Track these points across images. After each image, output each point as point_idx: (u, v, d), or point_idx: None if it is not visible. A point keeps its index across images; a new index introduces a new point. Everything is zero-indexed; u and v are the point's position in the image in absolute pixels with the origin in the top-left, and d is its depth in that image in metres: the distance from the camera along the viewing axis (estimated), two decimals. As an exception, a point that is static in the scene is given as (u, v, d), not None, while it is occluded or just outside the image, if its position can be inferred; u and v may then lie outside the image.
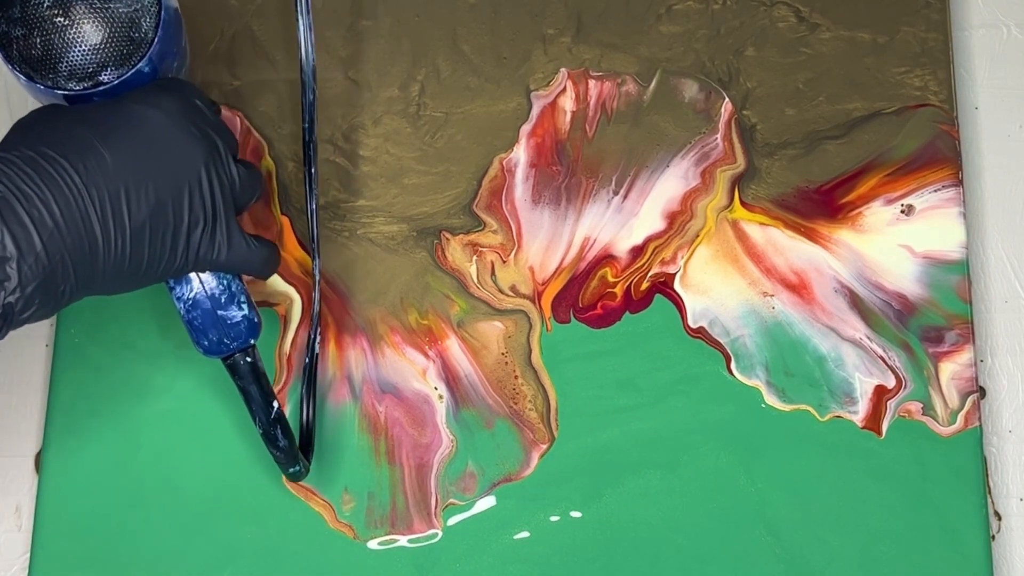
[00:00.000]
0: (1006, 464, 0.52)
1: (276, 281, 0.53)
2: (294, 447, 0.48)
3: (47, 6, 0.43)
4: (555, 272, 0.53)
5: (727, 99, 0.55)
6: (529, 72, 0.56)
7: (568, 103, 0.55)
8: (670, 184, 0.54)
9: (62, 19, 0.43)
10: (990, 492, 0.51)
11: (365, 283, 0.53)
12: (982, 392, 0.53)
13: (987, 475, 0.51)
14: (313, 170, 0.50)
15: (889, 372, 0.51)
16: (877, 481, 0.50)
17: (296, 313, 0.53)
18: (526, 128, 0.55)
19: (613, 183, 0.54)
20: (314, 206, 0.50)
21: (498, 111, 0.55)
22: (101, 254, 0.40)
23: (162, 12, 0.44)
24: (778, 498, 0.50)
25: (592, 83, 0.55)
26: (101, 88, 0.43)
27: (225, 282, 0.46)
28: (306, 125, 0.49)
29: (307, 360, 0.51)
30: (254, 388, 0.47)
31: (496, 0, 0.56)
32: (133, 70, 0.43)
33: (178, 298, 0.46)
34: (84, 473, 0.52)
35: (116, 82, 0.43)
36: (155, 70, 0.44)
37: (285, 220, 0.54)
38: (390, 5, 0.57)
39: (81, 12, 0.43)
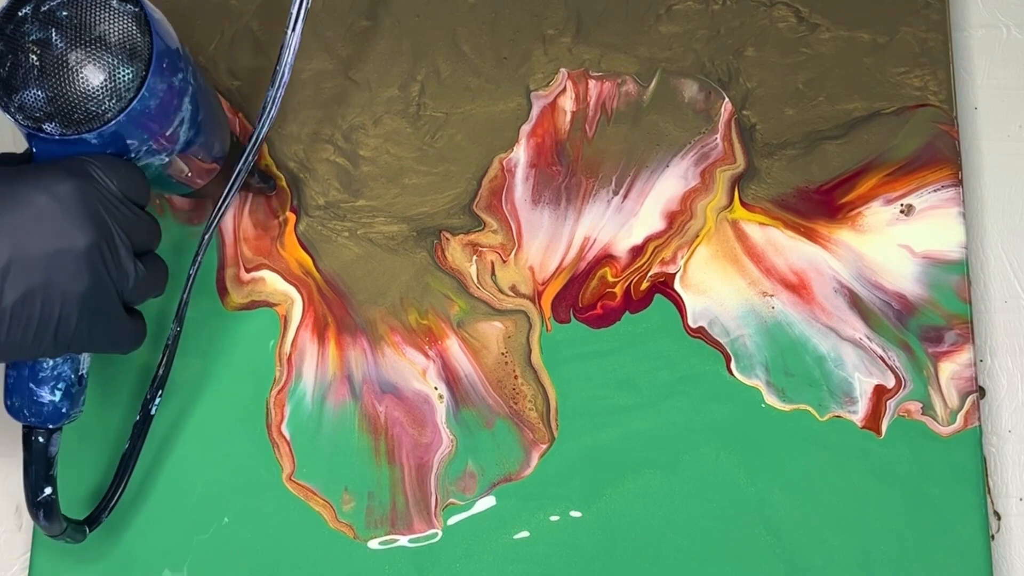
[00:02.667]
0: (1005, 464, 0.52)
1: (276, 281, 0.53)
2: (58, 528, 0.47)
3: (31, 38, 0.41)
4: (555, 272, 0.53)
5: (727, 99, 0.55)
6: (529, 72, 0.56)
7: (568, 103, 0.55)
8: (670, 184, 0.54)
9: (35, 57, 0.41)
10: (989, 492, 0.51)
11: (365, 283, 0.53)
12: (982, 392, 0.53)
13: (986, 475, 0.51)
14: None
15: (889, 372, 0.51)
16: (877, 481, 0.50)
17: (296, 313, 0.53)
18: (526, 128, 0.55)
19: (613, 183, 0.54)
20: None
21: (498, 111, 0.55)
22: None
23: (135, 102, 0.41)
24: (778, 498, 0.50)
25: (592, 83, 0.55)
26: (41, 136, 0.41)
27: (55, 363, 0.44)
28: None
29: (137, 417, 0.50)
30: (33, 469, 0.45)
31: (496, 0, 0.56)
32: (75, 136, 0.41)
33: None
34: (84, 473, 0.51)
35: (56, 138, 0.41)
36: (106, 145, 0.42)
37: (291, 216, 0.54)
38: (390, 5, 0.57)
39: (52, 60, 0.40)
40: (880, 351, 0.52)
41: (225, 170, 0.48)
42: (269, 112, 0.46)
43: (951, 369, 0.51)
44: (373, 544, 0.51)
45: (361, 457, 0.51)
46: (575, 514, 0.51)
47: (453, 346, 0.53)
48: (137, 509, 0.51)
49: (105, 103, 0.41)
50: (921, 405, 0.51)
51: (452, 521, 0.51)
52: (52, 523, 0.46)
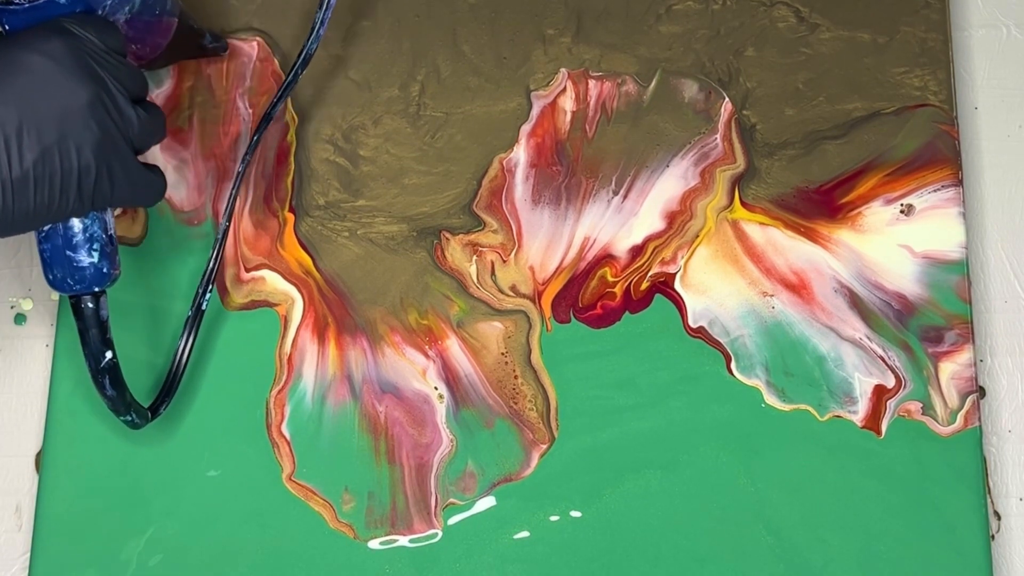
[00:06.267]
0: (1005, 464, 0.52)
1: (277, 281, 0.53)
2: (124, 398, 0.48)
3: None
4: (555, 272, 0.53)
5: (727, 99, 0.55)
6: (529, 72, 0.56)
7: (568, 103, 0.55)
8: (670, 184, 0.54)
9: None
10: (989, 492, 0.51)
11: (365, 283, 0.53)
12: (982, 392, 0.53)
13: (987, 475, 0.51)
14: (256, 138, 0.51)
15: (889, 372, 0.51)
16: (877, 481, 0.50)
17: (296, 313, 0.53)
18: (526, 128, 0.55)
19: (613, 183, 0.54)
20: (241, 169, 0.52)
21: (498, 111, 0.55)
22: None
23: None
24: (778, 498, 0.50)
25: (592, 83, 0.55)
26: (11, 7, 0.42)
27: (84, 224, 0.45)
28: (275, 99, 0.49)
29: (190, 312, 0.51)
30: (92, 333, 0.47)
31: (496, 0, 0.56)
32: (45, 1, 0.42)
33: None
34: (84, 473, 0.52)
35: (25, 6, 0.42)
36: (75, 4, 0.43)
37: (290, 216, 0.54)
38: (390, 5, 0.57)
39: None
40: (880, 351, 0.52)
41: (182, 29, 0.50)
42: (317, 31, 0.50)
43: (951, 369, 0.51)
44: (373, 544, 0.51)
45: (361, 457, 0.51)
46: (575, 514, 0.51)
47: (453, 346, 0.53)
48: (136, 509, 0.51)
49: None
50: (921, 405, 0.51)
51: (452, 521, 0.51)
52: (120, 390, 0.47)
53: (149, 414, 0.49)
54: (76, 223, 0.45)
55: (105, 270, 0.46)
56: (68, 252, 0.45)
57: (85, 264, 0.45)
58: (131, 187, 0.44)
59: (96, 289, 0.46)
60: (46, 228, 0.45)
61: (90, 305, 0.46)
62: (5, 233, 0.42)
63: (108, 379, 0.47)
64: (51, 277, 0.46)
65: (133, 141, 0.44)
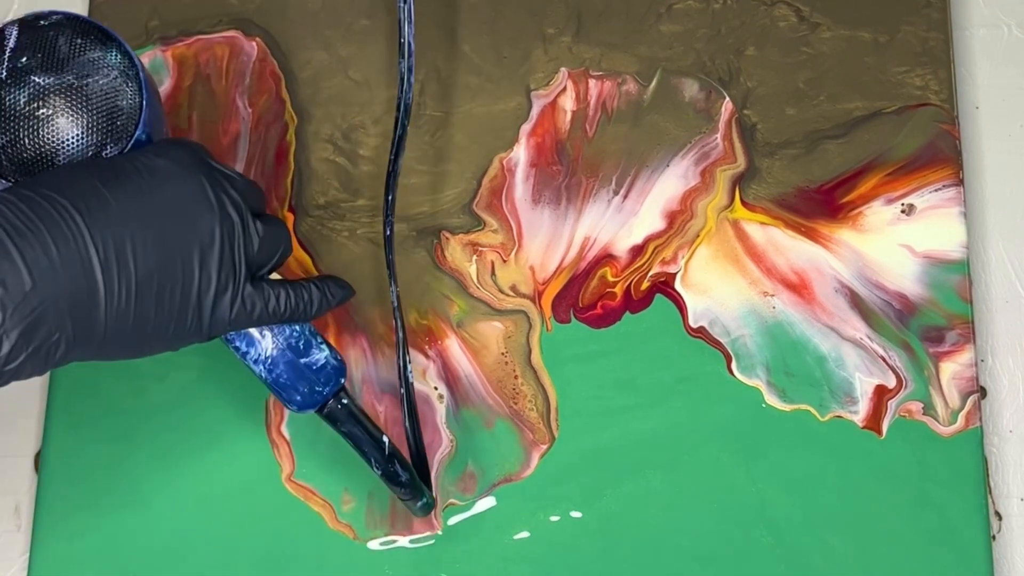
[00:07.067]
0: (1007, 464, 0.52)
1: (276, 281, 0.53)
2: (416, 479, 0.46)
3: (24, 102, 0.40)
4: (555, 272, 0.53)
5: (727, 99, 0.55)
6: (529, 72, 0.55)
7: (568, 103, 0.55)
8: (670, 184, 0.54)
9: (45, 110, 0.40)
10: (991, 492, 0.51)
11: (365, 283, 0.53)
12: (983, 392, 0.53)
13: (988, 475, 0.51)
14: (391, 197, 0.49)
15: (890, 372, 0.51)
16: (877, 481, 0.50)
17: (296, 313, 0.53)
18: (526, 128, 0.55)
19: (613, 183, 0.54)
20: (388, 232, 0.50)
21: (498, 111, 0.55)
22: (102, 302, 0.37)
23: (140, 73, 0.41)
24: (778, 498, 0.50)
25: (592, 83, 0.55)
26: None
27: (297, 328, 0.44)
28: (392, 156, 0.47)
29: (402, 390, 0.50)
30: (358, 429, 0.45)
31: (496, 0, 0.56)
32: (132, 140, 0.41)
33: (255, 361, 0.44)
34: (84, 473, 0.52)
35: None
36: (150, 136, 0.42)
37: (289, 216, 0.54)
38: (390, 5, 0.57)
39: (61, 98, 0.40)
40: (881, 351, 0.52)
41: None
42: (408, 79, 0.48)
43: (952, 369, 0.51)
44: (373, 545, 0.50)
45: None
46: (575, 514, 0.50)
47: (453, 346, 0.52)
48: (137, 509, 0.51)
49: (126, 91, 0.41)
50: (922, 405, 0.51)
51: (452, 521, 0.51)
52: (411, 471, 0.45)
53: (431, 490, 0.48)
54: (287, 333, 0.43)
55: (338, 357, 0.45)
56: (303, 360, 0.44)
57: (323, 361, 0.44)
58: (248, 309, 0.41)
59: (343, 381, 0.45)
60: (269, 354, 0.43)
61: (344, 402, 0.45)
62: (116, 349, 0.38)
63: (398, 464, 0.45)
64: (299, 398, 0.44)
65: (255, 258, 0.42)
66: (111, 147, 0.41)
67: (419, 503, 0.47)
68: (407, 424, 0.49)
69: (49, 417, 0.52)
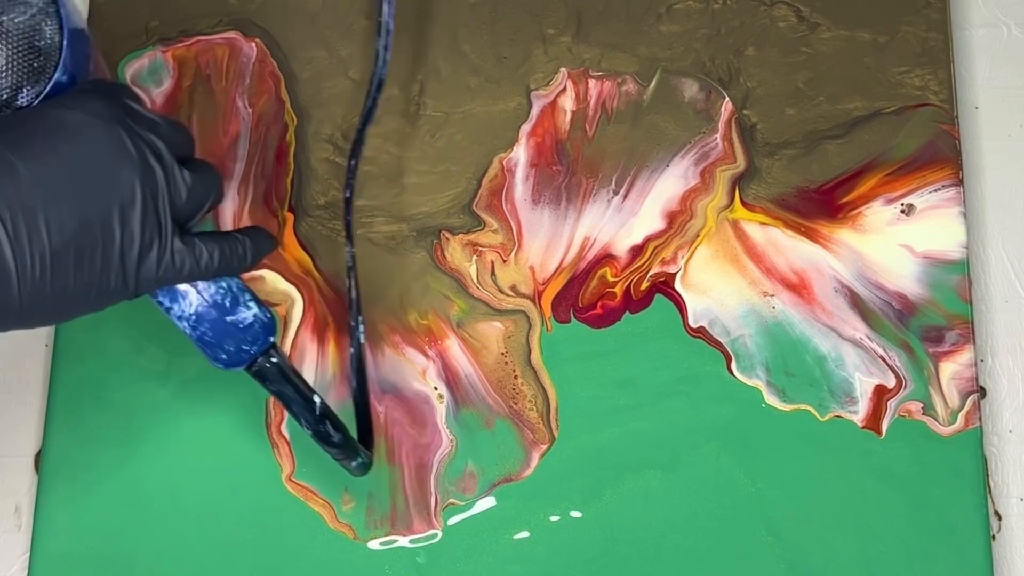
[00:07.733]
0: (1006, 464, 0.52)
1: (276, 280, 0.53)
2: (350, 439, 0.45)
3: None
4: (555, 272, 0.53)
5: (727, 99, 0.55)
6: (529, 72, 0.56)
7: (568, 103, 0.55)
8: (670, 184, 0.54)
9: None
10: (990, 492, 0.51)
11: (365, 283, 0.53)
12: (982, 392, 0.53)
13: (987, 475, 0.51)
14: (354, 162, 0.50)
15: (889, 372, 0.51)
16: (877, 481, 0.50)
17: (297, 313, 0.53)
18: (526, 128, 0.55)
19: (613, 183, 0.54)
20: (348, 195, 0.51)
21: (498, 111, 0.55)
22: (15, 280, 0.35)
23: (60, 11, 0.39)
24: (778, 498, 0.50)
25: (592, 83, 0.55)
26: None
27: (224, 284, 0.42)
28: (360, 126, 0.48)
29: (351, 350, 0.50)
30: (288, 388, 0.44)
31: (496, 0, 0.56)
32: (51, 83, 0.38)
33: (179, 317, 0.42)
34: (84, 473, 0.52)
35: (36, 102, 0.39)
36: (73, 78, 0.39)
37: (289, 216, 0.54)
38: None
39: None
40: (881, 351, 0.52)
41: None
42: (383, 56, 0.48)
43: (952, 369, 0.51)
44: (373, 544, 0.51)
45: (361, 457, 0.51)
46: (575, 514, 0.50)
47: (453, 346, 0.52)
48: (137, 509, 0.51)
49: (44, 30, 0.39)
50: (922, 405, 0.51)
51: (452, 521, 0.51)
52: (344, 432, 0.44)
53: (371, 452, 0.47)
54: (213, 290, 0.42)
55: (268, 316, 0.43)
56: (229, 318, 0.42)
57: (250, 320, 0.43)
58: (177, 264, 0.39)
59: (272, 340, 0.43)
60: (193, 311, 0.42)
61: (273, 360, 0.44)
62: (37, 319, 0.36)
63: (330, 424, 0.44)
64: (225, 357, 0.43)
65: (182, 208, 0.39)
66: (28, 89, 0.39)
67: (354, 463, 0.46)
68: (353, 383, 0.49)
69: (49, 417, 0.52)
